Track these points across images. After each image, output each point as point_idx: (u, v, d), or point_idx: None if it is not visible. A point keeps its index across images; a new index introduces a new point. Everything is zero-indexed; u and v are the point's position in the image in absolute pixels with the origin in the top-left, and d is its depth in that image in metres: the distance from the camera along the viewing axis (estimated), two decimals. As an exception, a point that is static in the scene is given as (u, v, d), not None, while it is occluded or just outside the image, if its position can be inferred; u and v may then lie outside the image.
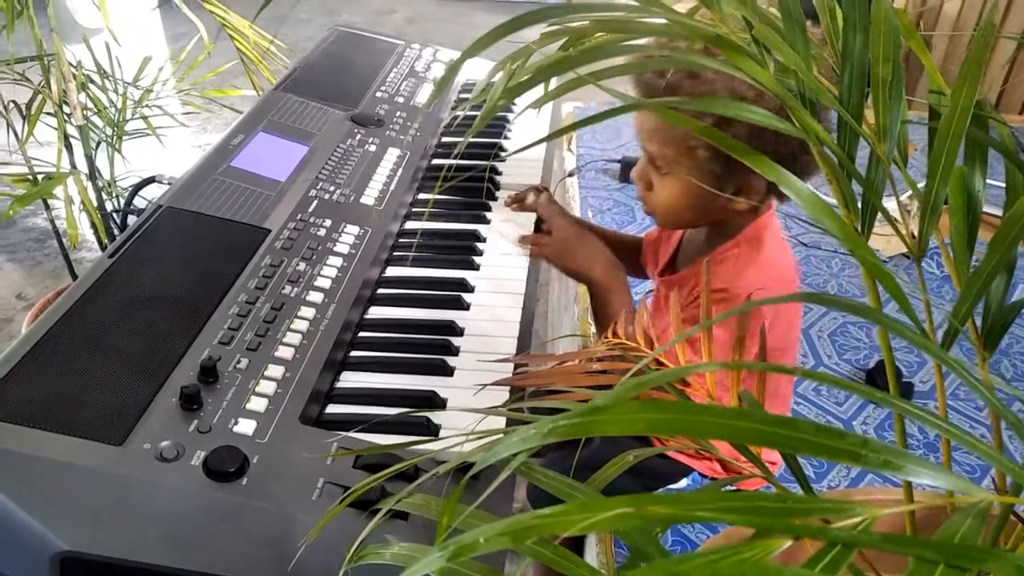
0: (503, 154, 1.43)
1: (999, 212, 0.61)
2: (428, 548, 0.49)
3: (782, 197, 0.96)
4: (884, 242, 2.00)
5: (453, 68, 0.47)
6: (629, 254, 1.34)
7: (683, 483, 1.19)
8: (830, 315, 1.70)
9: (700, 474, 1.17)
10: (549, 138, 0.62)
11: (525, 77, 0.61)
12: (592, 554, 1.24)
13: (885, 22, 0.51)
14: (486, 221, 1.26)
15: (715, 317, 0.90)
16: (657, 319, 1.17)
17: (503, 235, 1.23)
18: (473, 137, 1.43)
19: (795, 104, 0.45)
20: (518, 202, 1.24)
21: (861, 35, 0.49)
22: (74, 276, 1.96)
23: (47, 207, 1.93)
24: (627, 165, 2.10)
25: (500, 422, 0.85)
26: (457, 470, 0.64)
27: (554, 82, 0.53)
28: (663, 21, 0.56)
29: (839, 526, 0.29)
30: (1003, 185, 0.56)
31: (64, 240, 1.88)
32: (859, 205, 0.50)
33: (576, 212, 1.98)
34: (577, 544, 1.26)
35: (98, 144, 1.87)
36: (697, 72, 0.84)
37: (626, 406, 0.34)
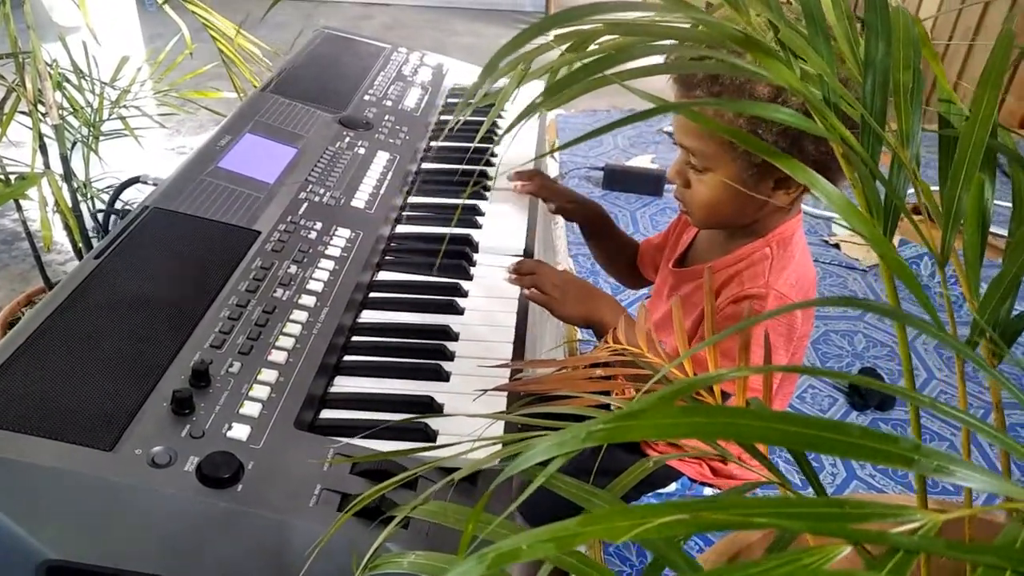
0: (493, 159, 1.42)
1: (996, 230, 0.61)
2: (450, 557, 0.48)
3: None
4: (863, 252, 2.02)
5: (483, 76, 0.46)
6: (622, 249, 1.33)
7: (672, 487, 1.19)
8: (813, 323, 1.72)
9: (689, 479, 1.17)
10: (552, 151, 0.61)
11: (539, 77, 0.60)
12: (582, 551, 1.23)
13: (904, 30, 0.51)
14: (478, 225, 1.25)
15: (761, 315, 0.91)
16: (659, 305, 1.17)
17: (497, 225, 1.22)
18: (463, 142, 1.42)
19: (822, 107, 0.45)
20: (521, 179, 1.24)
21: (883, 43, 0.49)
22: (46, 279, 1.92)
23: (19, 208, 1.89)
24: (611, 172, 2.11)
25: (497, 428, 0.84)
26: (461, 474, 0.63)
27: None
28: (681, 24, 0.56)
29: (899, 531, 0.29)
30: (1002, 204, 0.56)
31: (37, 243, 1.84)
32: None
33: (560, 218, 1.98)
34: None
35: (73, 144, 1.83)
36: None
37: (665, 410, 0.34)
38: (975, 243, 0.53)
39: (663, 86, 0.98)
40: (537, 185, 1.26)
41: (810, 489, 1.06)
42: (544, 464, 0.38)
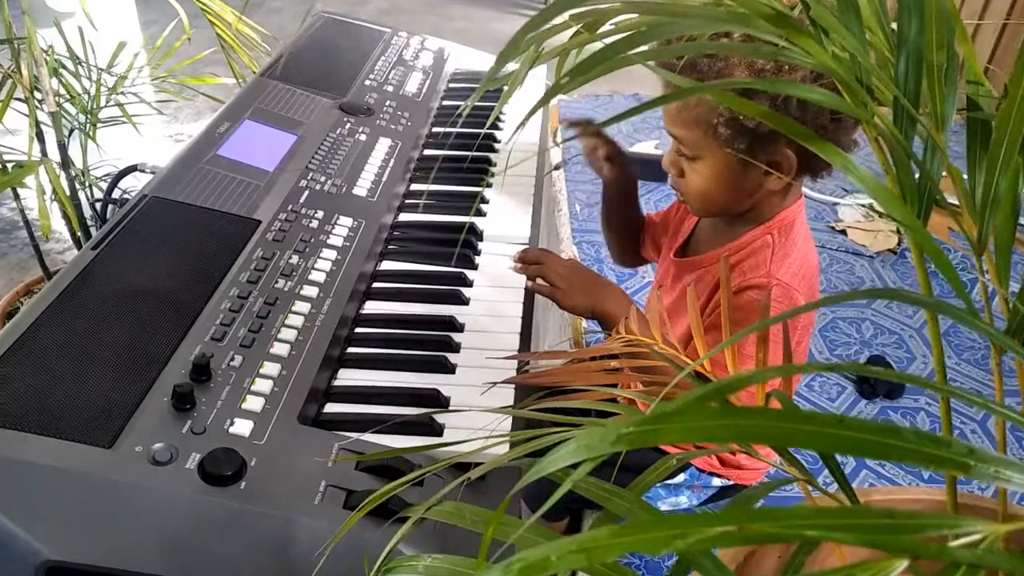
0: (496, 145, 1.40)
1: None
2: (470, 561, 0.46)
3: (815, 174, 0.95)
4: (870, 238, 2.00)
5: (500, 60, 0.44)
6: (635, 234, 1.30)
7: (680, 478, 1.17)
8: (820, 311, 1.70)
9: (697, 469, 1.16)
10: (574, 136, 0.59)
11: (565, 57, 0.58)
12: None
13: (936, 7, 0.49)
14: (482, 213, 1.22)
15: (760, 310, 0.89)
16: (663, 295, 1.15)
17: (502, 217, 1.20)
18: (467, 127, 1.40)
19: (856, 87, 0.43)
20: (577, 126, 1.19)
21: (916, 20, 0.47)
22: (45, 268, 1.90)
23: (16, 197, 1.86)
24: (614, 158, 2.09)
25: (506, 421, 0.82)
26: (462, 469, 0.61)
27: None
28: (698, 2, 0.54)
29: (959, 544, 0.27)
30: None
31: (35, 232, 1.81)
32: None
33: (563, 206, 1.95)
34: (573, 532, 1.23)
35: (71, 132, 1.80)
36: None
37: (702, 412, 0.32)
38: (1008, 230, 0.51)
39: (649, 73, 0.96)
40: (593, 131, 1.21)
41: (823, 477, 1.04)
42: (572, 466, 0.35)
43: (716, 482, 1.18)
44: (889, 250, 1.94)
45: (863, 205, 2.08)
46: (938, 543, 0.27)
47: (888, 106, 0.48)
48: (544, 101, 0.42)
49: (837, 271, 1.86)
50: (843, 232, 2.00)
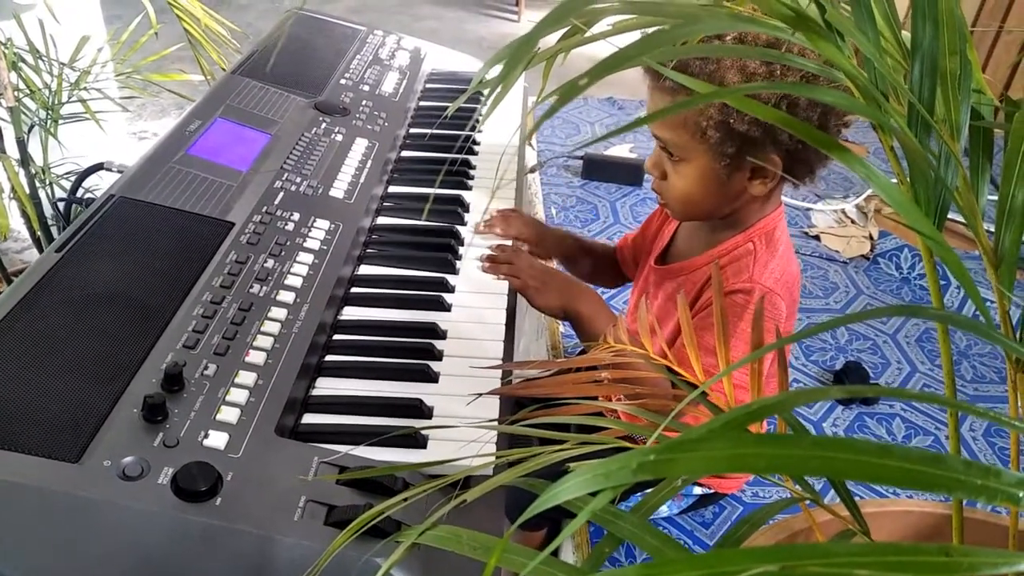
0: (476, 147, 1.37)
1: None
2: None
3: (796, 182, 0.95)
4: (843, 244, 2.01)
5: (514, 59, 0.41)
6: (600, 262, 1.30)
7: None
8: (795, 317, 1.70)
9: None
10: (592, 140, 0.57)
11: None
12: (569, 560, 1.20)
13: (949, 13, 0.48)
14: (462, 219, 1.20)
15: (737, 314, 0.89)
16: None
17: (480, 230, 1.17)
18: (445, 130, 1.37)
19: (875, 92, 0.41)
20: (490, 228, 1.17)
21: (931, 26, 0.45)
22: (2, 268, 1.83)
23: (-28, 195, 1.80)
24: (590, 161, 2.07)
25: (491, 432, 0.80)
26: (453, 486, 0.59)
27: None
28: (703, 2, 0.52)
29: (1018, 585, 0.25)
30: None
31: (-8, 231, 1.75)
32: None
33: (539, 209, 1.93)
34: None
35: (31, 128, 1.75)
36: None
37: (732, 439, 0.30)
38: (1018, 242, 0.50)
39: (637, 77, 0.95)
40: (504, 232, 1.18)
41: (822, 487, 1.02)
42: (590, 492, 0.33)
43: (697, 490, 1.17)
44: (862, 256, 1.95)
45: (836, 211, 2.09)
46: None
47: (900, 116, 0.47)
48: (561, 102, 0.40)
49: (811, 276, 1.87)
50: (816, 238, 2.01)
